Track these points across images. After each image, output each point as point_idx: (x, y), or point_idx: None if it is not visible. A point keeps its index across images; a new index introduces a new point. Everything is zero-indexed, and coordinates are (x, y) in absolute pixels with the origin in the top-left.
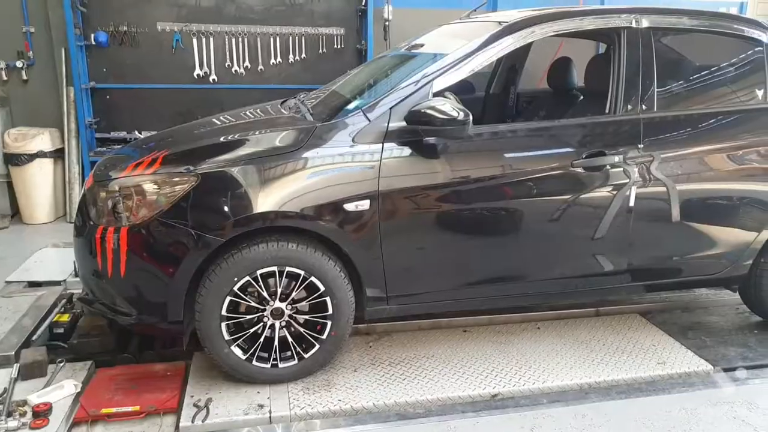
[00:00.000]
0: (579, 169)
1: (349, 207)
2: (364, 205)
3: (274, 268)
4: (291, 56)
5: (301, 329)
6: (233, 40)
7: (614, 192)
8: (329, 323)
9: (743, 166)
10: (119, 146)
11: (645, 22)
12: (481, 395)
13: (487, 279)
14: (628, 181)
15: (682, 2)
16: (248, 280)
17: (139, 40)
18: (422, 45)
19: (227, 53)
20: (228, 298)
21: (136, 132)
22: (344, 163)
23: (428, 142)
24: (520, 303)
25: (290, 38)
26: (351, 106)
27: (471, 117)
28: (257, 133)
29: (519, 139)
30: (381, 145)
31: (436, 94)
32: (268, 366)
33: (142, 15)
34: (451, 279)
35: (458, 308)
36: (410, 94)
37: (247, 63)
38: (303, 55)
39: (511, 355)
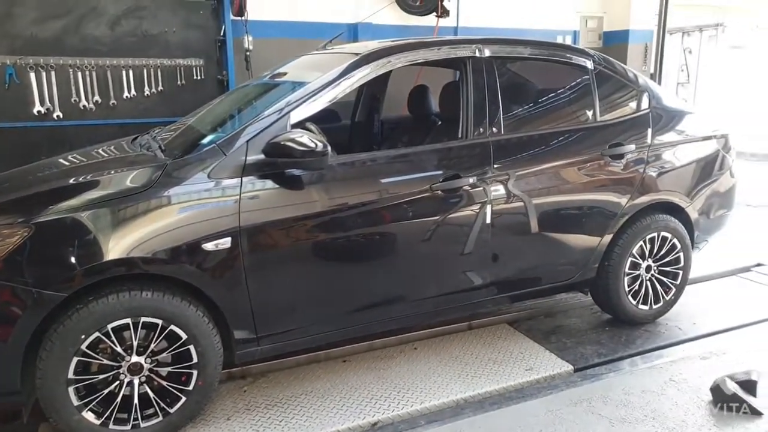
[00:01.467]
0: (439, 192)
1: (208, 246)
2: (225, 243)
3: (128, 320)
4: (147, 89)
5: (164, 382)
6: (79, 74)
7: (474, 211)
8: (195, 372)
9: (584, 179)
10: None
11: (487, 52)
12: (361, 425)
13: (363, 306)
14: (485, 200)
15: (529, 33)
16: (98, 336)
17: None
18: (284, 74)
19: (73, 87)
20: (75, 359)
21: None
22: (200, 201)
23: (290, 173)
24: (398, 326)
25: (145, 70)
26: (206, 140)
27: (329, 147)
28: (103, 174)
29: (380, 167)
30: (240, 179)
31: (296, 125)
32: (128, 428)
33: None
34: (326, 311)
35: (336, 339)
36: (267, 126)
37: (97, 97)
38: (160, 88)
39: (389, 379)
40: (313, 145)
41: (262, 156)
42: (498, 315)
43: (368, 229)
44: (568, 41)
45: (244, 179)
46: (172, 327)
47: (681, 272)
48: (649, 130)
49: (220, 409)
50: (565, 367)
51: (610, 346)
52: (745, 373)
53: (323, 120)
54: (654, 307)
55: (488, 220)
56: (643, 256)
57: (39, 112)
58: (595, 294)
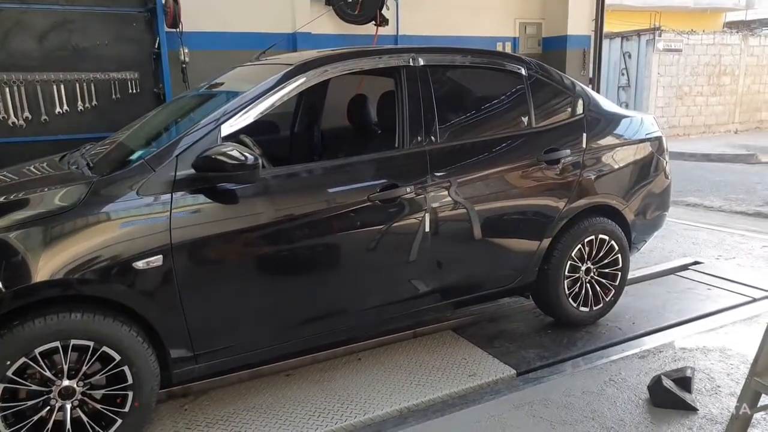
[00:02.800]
0: (377, 202)
1: (139, 265)
2: (156, 261)
3: (56, 344)
4: (80, 104)
5: (98, 405)
6: (7, 89)
7: (414, 220)
8: (130, 394)
9: (521, 185)
10: None
11: (421, 61)
12: None
13: (304, 320)
14: (424, 208)
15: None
16: (25, 362)
17: None
18: (220, 85)
19: (1, 103)
20: (1, 386)
21: None
22: (129, 219)
23: (222, 188)
24: (342, 338)
25: (77, 85)
26: (134, 156)
27: (261, 160)
28: (29, 193)
29: (316, 178)
30: (170, 195)
31: (228, 137)
32: None
33: None
34: (265, 326)
35: (278, 354)
36: (197, 140)
37: (27, 113)
38: (94, 102)
39: (334, 391)
40: (243, 158)
41: (192, 171)
42: (442, 322)
43: (306, 242)
44: (509, 48)
45: (175, 195)
46: (105, 348)
47: (620, 273)
48: (584, 135)
49: (160, 429)
50: (507, 372)
51: (553, 349)
52: (680, 371)
53: (261, 131)
54: (594, 308)
55: (427, 229)
56: (582, 259)
57: None
58: (537, 298)
